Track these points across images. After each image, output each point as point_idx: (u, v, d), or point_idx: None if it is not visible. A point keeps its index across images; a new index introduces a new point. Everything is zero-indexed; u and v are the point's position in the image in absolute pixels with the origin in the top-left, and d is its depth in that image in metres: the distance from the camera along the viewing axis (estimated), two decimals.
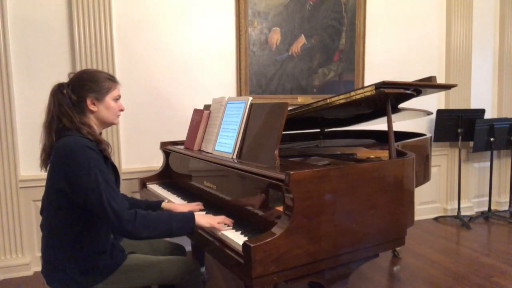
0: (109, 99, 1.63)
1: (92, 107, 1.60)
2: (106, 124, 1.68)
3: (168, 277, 1.67)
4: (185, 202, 2.15)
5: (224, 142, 2.10)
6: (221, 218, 1.69)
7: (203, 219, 1.65)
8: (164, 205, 1.98)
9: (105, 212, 1.42)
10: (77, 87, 1.59)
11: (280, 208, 1.54)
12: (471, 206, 4.39)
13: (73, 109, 1.56)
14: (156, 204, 1.98)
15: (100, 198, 1.42)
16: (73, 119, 1.54)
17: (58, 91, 1.57)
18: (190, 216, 1.62)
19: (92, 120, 1.63)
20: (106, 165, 1.56)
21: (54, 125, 1.54)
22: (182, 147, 2.59)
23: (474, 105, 4.26)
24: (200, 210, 1.95)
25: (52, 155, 1.52)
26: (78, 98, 1.58)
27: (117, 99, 1.67)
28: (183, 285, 1.70)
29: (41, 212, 1.62)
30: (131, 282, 1.61)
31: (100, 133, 1.67)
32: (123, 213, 1.43)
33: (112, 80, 1.66)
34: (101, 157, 1.52)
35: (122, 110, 1.70)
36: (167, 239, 2.04)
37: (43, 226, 1.58)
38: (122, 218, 1.43)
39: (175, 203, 2.07)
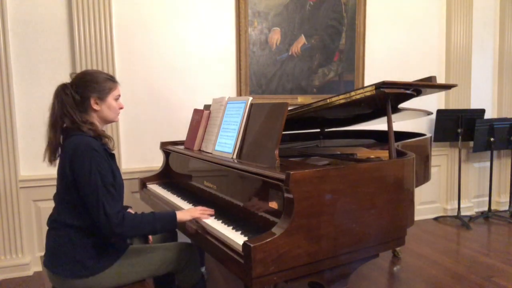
0: (110, 98, 1.73)
1: (95, 107, 1.69)
2: (107, 122, 1.78)
3: (170, 260, 1.79)
4: (185, 202, 2.16)
5: (224, 142, 2.10)
6: (200, 208, 1.84)
7: (185, 214, 1.77)
8: None
9: (98, 214, 1.53)
10: (80, 88, 1.67)
11: (280, 208, 1.54)
12: (471, 206, 4.39)
13: (75, 108, 1.65)
14: None
15: (96, 200, 1.53)
16: (74, 119, 1.63)
17: (62, 91, 1.66)
18: (172, 215, 1.73)
19: (95, 118, 1.72)
20: (112, 159, 1.68)
21: (58, 124, 1.64)
22: (182, 147, 2.59)
23: (474, 105, 4.26)
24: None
25: (61, 154, 1.63)
26: (81, 98, 1.67)
27: (117, 98, 1.76)
28: (183, 268, 1.83)
29: (55, 209, 1.70)
30: (135, 268, 1.71)
31: (103, 131, 1.75)
32: (113, 218, 1.54)
33: (113, 80, 1.75)
34: (107, 157, 1.63)
35: (121, 108, 1.80)
36: None
37: (54, 221, 1.66)
38: (111, 221, 1.54)
39: None
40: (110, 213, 1.53)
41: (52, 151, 1.66)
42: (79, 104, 1.66)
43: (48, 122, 1.66)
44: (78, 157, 1.55)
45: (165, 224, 1.70)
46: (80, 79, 1.70)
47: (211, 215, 1.84)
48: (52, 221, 1.67)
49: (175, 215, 1.72)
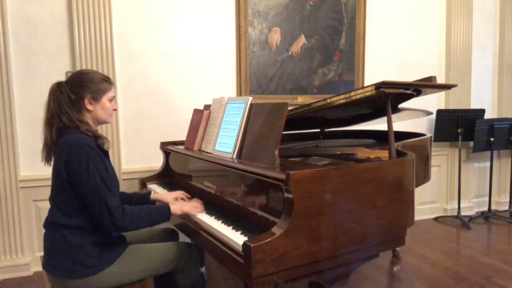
0: (105, 99, 1.73)
1: (89, 107, 1.70)
2: (100, 122, 1.78)
3: (170, 259, 1.80)
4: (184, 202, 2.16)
5: (224, 142, 2.10)
6: (192, 202, 1.92)
7: (177, 207, 1.84)
8: (153, 196, 2.13)
9: (101, 209, 1.55)
10: (76, 87, 1.67)
11: (280, 208, 1.54)
12: (471, 206, 4.39)
13: (71, 107, 1.65)
14: (145, 197, 2.13)
15: (98, 195, 1.54)
16: (71, 117, 1.63)
17: (57, 89, 1.65)
18: (166, 208, 1.80)
19: (89, 118, 1.72)
20: (106, 158, 1.69)
21: (54, 122, 1.63)
22: (182, 147, 2.59)
23: (474, 105, 4.26)
24: (185, 198, 2.13)
25: (56, 153, 1.63)
26: (76, 97, 1.67)
27: (111, 99, 1.76)
28: (183, 267, 1.85)
29: (50, 211, 1.69)
30: (135, 267, 1.72)
31: (96, 130, 1.74)
32: (115, 212, 1.57)
33: (108, 81, 1.76)
34: (100, 153, 1.63)
35: (115, 109, 1.80)
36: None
37: (49, 223, 1.66)
38: (114, 216, 1.56)
39: (160, 193, 2.25)
40: (112, 207, 1.55)
41: (48, 150, 1.67)
42: (74, 103, 1.66)
43: (44, 120, 1.66)
44: (73, 156, 1.55)
45: (160, 215, 1.74)
46: (75, 78, 1.70)
47: (201, 211, 1.89)
48: (48, 223, 1.66)
49: (169, 207, 1.79)
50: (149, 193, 2.17)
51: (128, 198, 2.05)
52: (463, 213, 4.12)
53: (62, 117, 1.62)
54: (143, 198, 2.12)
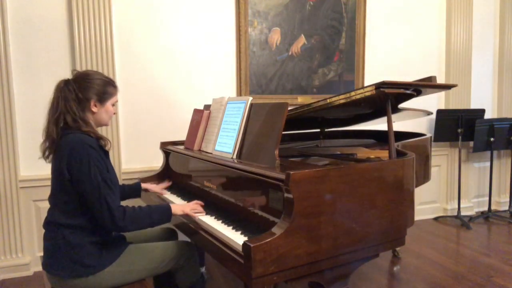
0: (109, 103, 1.75)
1: (94, 109, 1.71)
2: (100, 125, 1.79)
3: (169, 258, 1.81)
4: (185, 202, 2.16)
5: (224, 142, 2.10)
6: (193, 204, 1.90)
7: (178, 208, 1.83)
8: (143, 186, 2.33)
9: (101, 208, 1.55)
10: (84, 87, 1.68)
11: (280, 208, 1.54)
12: (471, 206, 4.39)
13: (77, 106, 1.65)
14: (136, 188, 2.27)
15: (98, 196, 1.55)
16: (76, 117, 1.63)
17: (65, 87, 1.66)
18: (167, 208, 1.78)
19: (91, 119, 1.73)
20: (107, 158, 1.69)
21: (60, 121, 1.63)
22: (182, 147, 2.59)
23: (474, 105, 4.26)
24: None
25: (57, 152, 1.63)
26: (83, 97, 1.67)
27: (114, 103, 1.79)
28: (183, 266, 1.86)
29: (50, 211, 1.70)
30: (135, 266, 1.72)
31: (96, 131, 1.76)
32: (115, 212, 1.56)
33: (114, 86, 1.78)
34: (102, 154, 1.64)
35: (114, 113, 1.82)
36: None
37: (49, 223, 1.66)
38: (114, 215, 1.57)
39: (150, 184, 2.45)
40: (113, 207, 1.56)
41: (49, 146, 1.66)
42: (80, 103, 1.66)
43: (49, 118, 1.65)
44: (75, 155, 1.56)
45: (161, 215, 1.74)
46: (83, 78, 1.69)
47: (202, 213, 1.89)
48: (47, 223, 1.66)
49: (169, 206, 1.78)
50: (139, 183, 2.30)
51: (121, 189, 2.06)
52: (463, 213, 4.12)
53: (66, 116, 1.62)
54: (134, 192, 2.24)
